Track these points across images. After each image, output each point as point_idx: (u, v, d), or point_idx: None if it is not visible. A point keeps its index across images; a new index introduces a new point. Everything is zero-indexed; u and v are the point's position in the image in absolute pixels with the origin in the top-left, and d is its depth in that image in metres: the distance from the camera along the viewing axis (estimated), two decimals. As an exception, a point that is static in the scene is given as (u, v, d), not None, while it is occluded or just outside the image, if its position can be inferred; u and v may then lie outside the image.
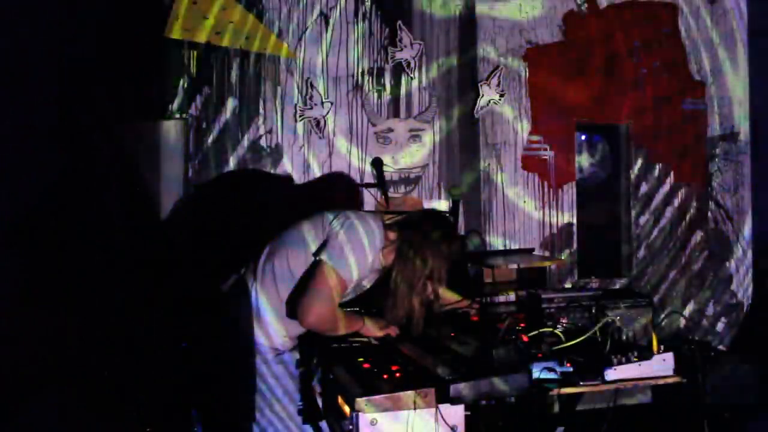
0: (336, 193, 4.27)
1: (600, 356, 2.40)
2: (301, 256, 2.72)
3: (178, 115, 4.06)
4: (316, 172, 4.26)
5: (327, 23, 4.32)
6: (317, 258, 2.66)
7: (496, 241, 4.58)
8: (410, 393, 2.17)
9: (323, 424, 2.80)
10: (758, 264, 5.20)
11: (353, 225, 2.69)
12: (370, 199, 4.09)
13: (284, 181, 4.22)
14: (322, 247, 2.68)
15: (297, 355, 2.83)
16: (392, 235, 2.78)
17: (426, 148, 4.48)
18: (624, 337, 2.58)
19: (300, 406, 2.78)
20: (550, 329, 2.60)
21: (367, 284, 2.87)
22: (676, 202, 5.06)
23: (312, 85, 4.26)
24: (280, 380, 2.74)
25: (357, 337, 2.82)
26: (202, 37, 4.09)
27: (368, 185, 4.05)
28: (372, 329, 2.81)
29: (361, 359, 2.56)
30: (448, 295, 3.19)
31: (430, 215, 3.04)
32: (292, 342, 2.81)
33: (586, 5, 4.82)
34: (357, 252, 2.65)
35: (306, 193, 4.21)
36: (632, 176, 4.96)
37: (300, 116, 4.25)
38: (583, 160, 5.00)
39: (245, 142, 4.17)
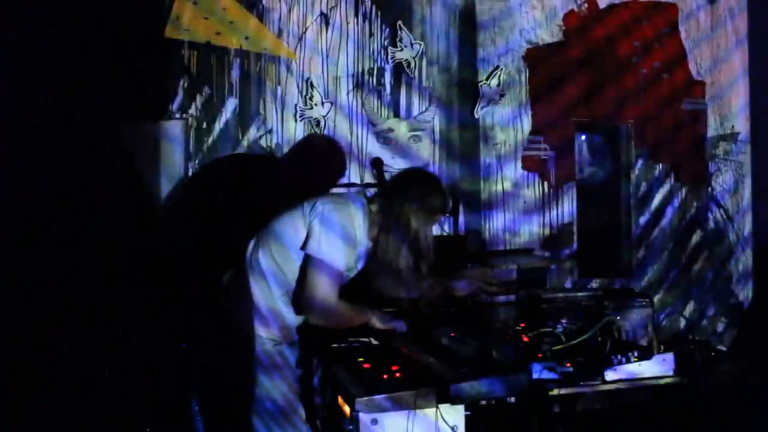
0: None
1: (600, 356, 2.40)
2: (283, 249, 2.70)
3: (178, 115, 4.06)
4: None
5: (327, 23, 4.32)
6: (306, 253, 2.65)
7: (497, 240, 4.59)
8: (410, 393, 2.16)
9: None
10: (758, 264, 5.20)
11: (331, 211, 2.65)
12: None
13: (286, 177, 4.20)
14: (307, 240, 2.65)
15: (297, 351, 2.81)
16: (375, 208, 2.75)
17: (426, 148, 4.48)
18: (624, 337, 2.57)
19: (301, 396, 2.77)
20: (550, 329, 2.59)
21: (361, 264, 2.84)
22: (676, 202, 5.06)
23: (312, 85, 4.26)
24: (280, 371, 2.72)
25: (358, 336, 2.81)
26: (202, 37, 4.09)
27: (368, 185, 4.04)
28: (379, 322, 2.79)
29: (361, 359, 2.56)
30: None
31: (405, 176, 2.92)
32: (291, 334, 2.79)
33: (585, 5, 4.82)
34: (341, 237, 2.62)
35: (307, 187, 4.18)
36: (632, 176, 4.95)
37: (300, 116, 4.25)
38: (583, 160, 4.99)
39: (245, 142, 4.17)
